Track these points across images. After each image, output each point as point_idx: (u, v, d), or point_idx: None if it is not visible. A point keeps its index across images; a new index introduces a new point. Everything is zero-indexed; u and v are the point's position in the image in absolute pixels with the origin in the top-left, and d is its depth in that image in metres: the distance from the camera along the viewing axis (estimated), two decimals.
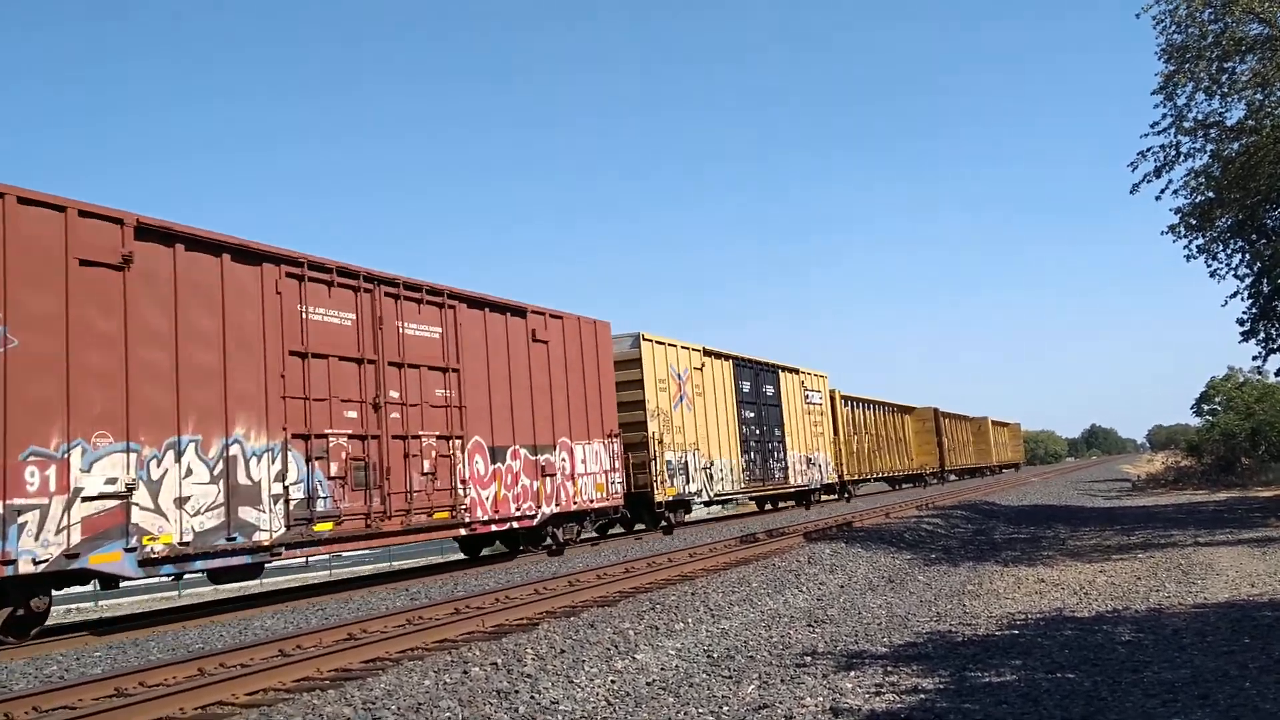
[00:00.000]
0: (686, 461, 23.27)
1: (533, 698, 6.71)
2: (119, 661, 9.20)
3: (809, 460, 31.52)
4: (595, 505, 19.41)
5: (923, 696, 6.32)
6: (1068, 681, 6.57)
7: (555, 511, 17.90)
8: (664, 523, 22.80)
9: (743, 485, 26.54)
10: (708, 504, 25.95)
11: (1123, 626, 8.63)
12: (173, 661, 8.07)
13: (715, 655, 8.23)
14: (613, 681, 7.30)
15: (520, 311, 17.84)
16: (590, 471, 19.34)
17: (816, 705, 6.22)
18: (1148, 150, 18.52)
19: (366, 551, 37.15)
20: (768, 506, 32.52)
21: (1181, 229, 19.03)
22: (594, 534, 22.09)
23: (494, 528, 16.55)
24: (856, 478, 38.48)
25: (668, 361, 23.15)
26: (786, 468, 29.59)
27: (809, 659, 7.77)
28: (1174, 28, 17.95)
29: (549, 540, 18.36)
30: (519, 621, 9.54)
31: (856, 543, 16.30)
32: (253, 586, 25.94)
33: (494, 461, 16.45)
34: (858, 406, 40.46)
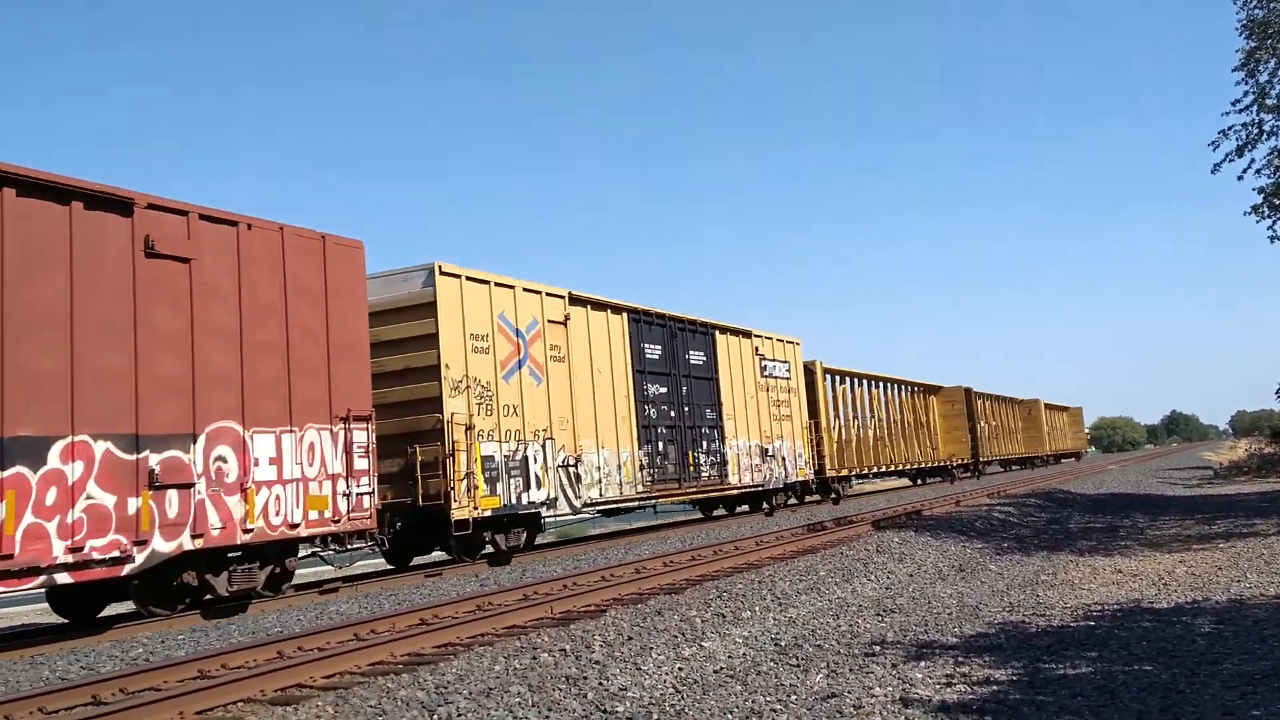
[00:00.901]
0: (526, 457, 16.27)
1: (601, 684, 6.77)
2: (201, 644, 9.50)
3: (765, 451, 24.69)
4: (304, 532, 12.28)
5: (995, 688, 6.25)
6: (1145, 674, 6.44)
7: (193, 548, 10.92)
8: (489, 550, 16.21)
9: (643, 487, 19.26)
10: (607, 512, 19.77)
11: (1202, 618, 8.43)
12: (253, 644, 8.31)
13: (783, 644, 8.22)
14: (680, 669, 7.34)
15: (117, 204, 10.66)
16: (296, 478, 12.18)
17: (886, 695, 6.18)
18: (1229, 129, 17.95)
19: None
20: (720, 512, 26.32)
21: (1265, 209, 18.42)
22: (373, 572, 16.27)
23: None
24: (852, 472, 31.86)
25: (493, 310, 16.19)
26: (725, 462, 22.58)
27: (878, 648, 7.72)
28: (1255, 2, 17.37)
29: (222, 591, 11.62)
30: (586, 608, 9.63)
31: (926, 531, 16.12)
32: (326, 571, 26.53)
33: (4, 466, 9.26)
34: (856, 384, 33.27)
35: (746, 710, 6.07)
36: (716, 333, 23.44)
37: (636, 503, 19.45)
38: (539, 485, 16.59)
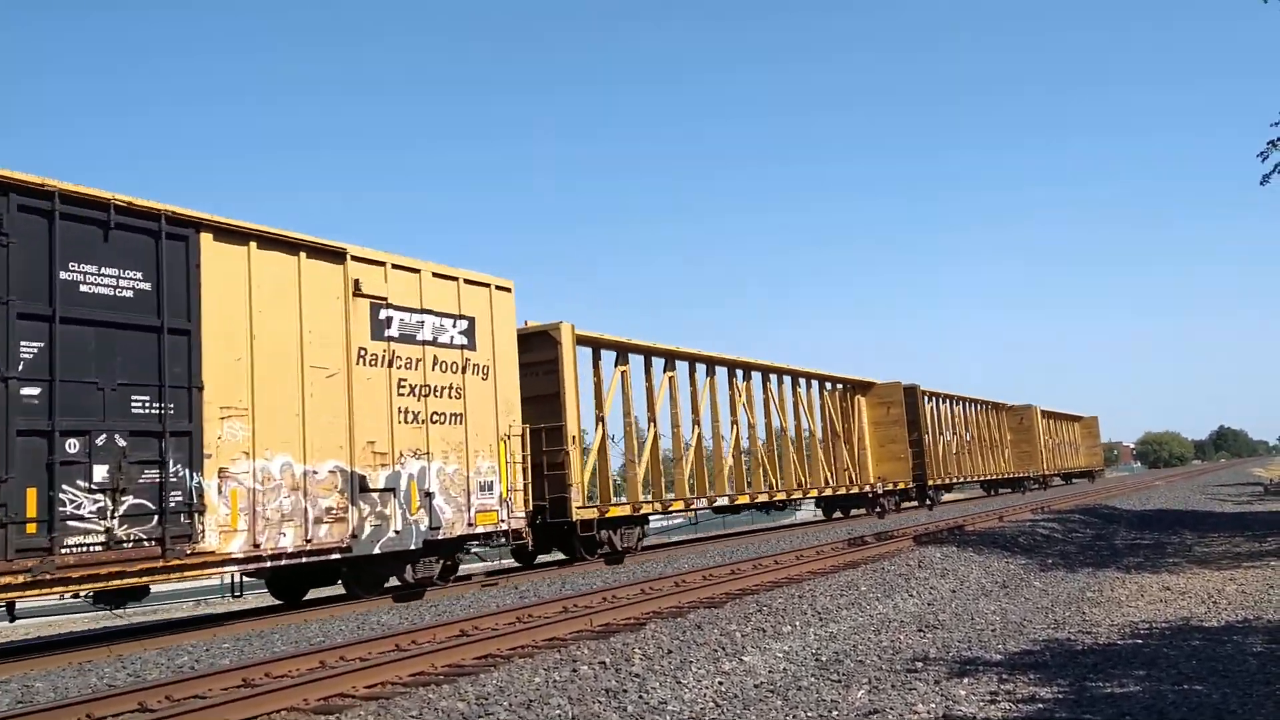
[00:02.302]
0: None
1: (641, 697, 6.76)
2: (246, 653, 9.60)
3: (362, 482, 12.95)
4: None
5: (1040, 706, 6.16)
6: (1195, 693, 6.31)
7: None
8: None
9: None
10: None
11: (1254, 637, 8.25)
12: (296, 654, 8.39)
13: (823, 659, 8.16)
14: (720, 683, 7.30)
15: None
16: None
17: (929, 712, 6.11)
18: (1279, 139, 17.64)
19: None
20: (402, 587, 14.21)
21: None
22: None
23: None
24: (657, 508, 20.21)
25: None
26: (191, 508, 10.81)
27: (920, 665, 7.64)
28: None
29: None
30: (626, 621, 9.62)
31: (969, 546, 15.93)
32: None
33: None
34: (695, 371, 22.31)
35: None
36: (199, 235, 11.60)
37: None
38: None
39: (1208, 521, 23.49)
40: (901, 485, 31.88)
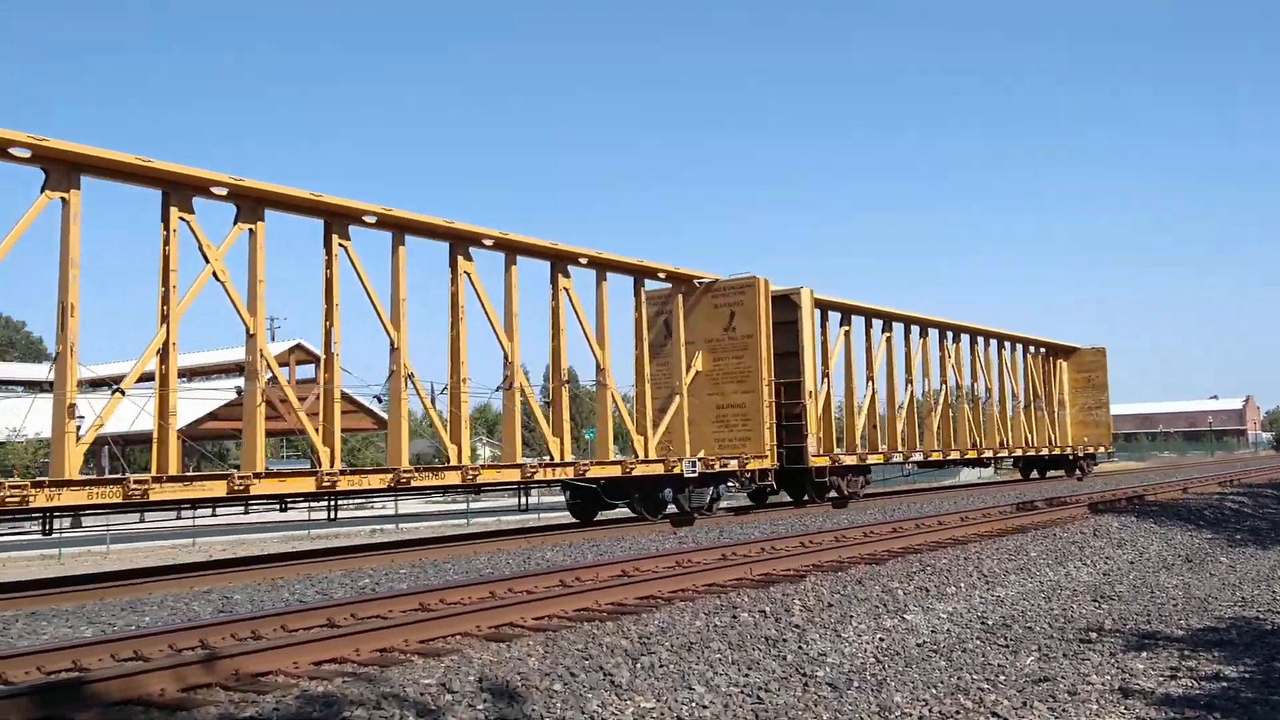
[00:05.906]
0: None
1: (800, 648, 6.78)
2: (421, 579, 10.12)
3: None
4: None
5: (1225, 684, 5.86)
6: None
7: None
8: None
9: None
10: None
11: None
12: (468, 583, 8.79)
13: (990, 623, 7.98)
14: (881, 639, 7.25)
15: None
16: None
17: (1104, 684, 5.90)
18: None
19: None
20: None
21: None
22: None
23: None
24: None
25: None
26: None
27: (1094, 635, 7.37)
28: None
29: None
30: (786, 572, 9.63)
31: (1148, 517, 15.19)
32: (530, 520, 27.57)
33: None
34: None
35: (951, 686, 5.93)
36: None
37: None
38: None
39: None
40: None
